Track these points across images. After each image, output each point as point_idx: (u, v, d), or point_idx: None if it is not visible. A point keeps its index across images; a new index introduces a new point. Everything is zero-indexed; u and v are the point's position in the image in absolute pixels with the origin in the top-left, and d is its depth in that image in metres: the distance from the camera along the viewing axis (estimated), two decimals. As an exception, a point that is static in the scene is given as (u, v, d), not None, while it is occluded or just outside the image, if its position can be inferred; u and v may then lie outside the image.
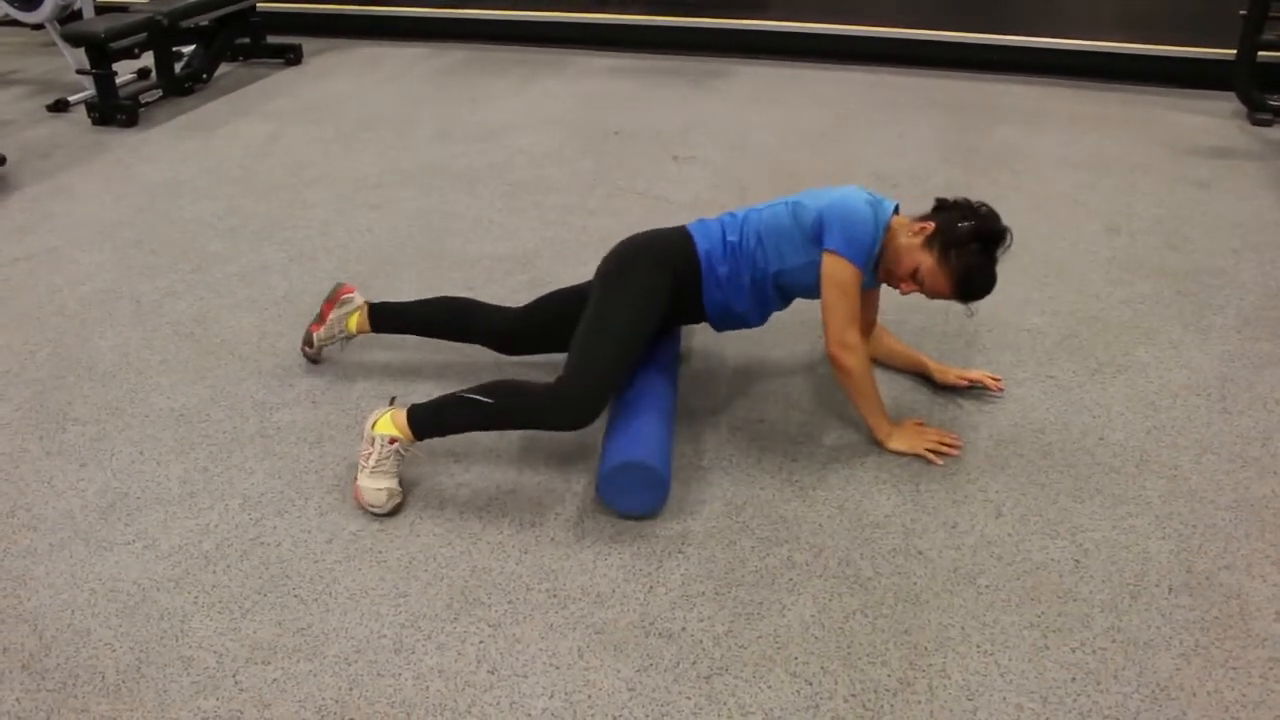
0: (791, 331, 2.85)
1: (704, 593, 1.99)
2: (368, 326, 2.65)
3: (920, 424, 2.46)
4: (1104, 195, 3.82)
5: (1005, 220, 2.32)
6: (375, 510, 2.17)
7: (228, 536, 2.14)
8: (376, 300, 2.68)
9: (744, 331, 2.68)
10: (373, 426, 2.18)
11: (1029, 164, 4.16)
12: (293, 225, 3.64)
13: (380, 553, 2.09)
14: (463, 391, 2.19)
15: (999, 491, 2.27)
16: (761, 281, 2.39)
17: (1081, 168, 4.12)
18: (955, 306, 2.87)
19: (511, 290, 3.11)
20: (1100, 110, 4.91)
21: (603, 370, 2.20)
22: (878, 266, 2.36)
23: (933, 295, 2.33)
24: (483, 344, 2.62)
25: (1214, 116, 4.77)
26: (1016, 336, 2.88)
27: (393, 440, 2.16)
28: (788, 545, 2.11)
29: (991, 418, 2.52)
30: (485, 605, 1.96)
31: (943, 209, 2.36)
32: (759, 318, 2.49)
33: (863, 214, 2.28)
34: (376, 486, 2.16)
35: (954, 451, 2.39)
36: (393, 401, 2.26)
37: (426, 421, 2.20)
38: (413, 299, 2.68)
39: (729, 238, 2.39)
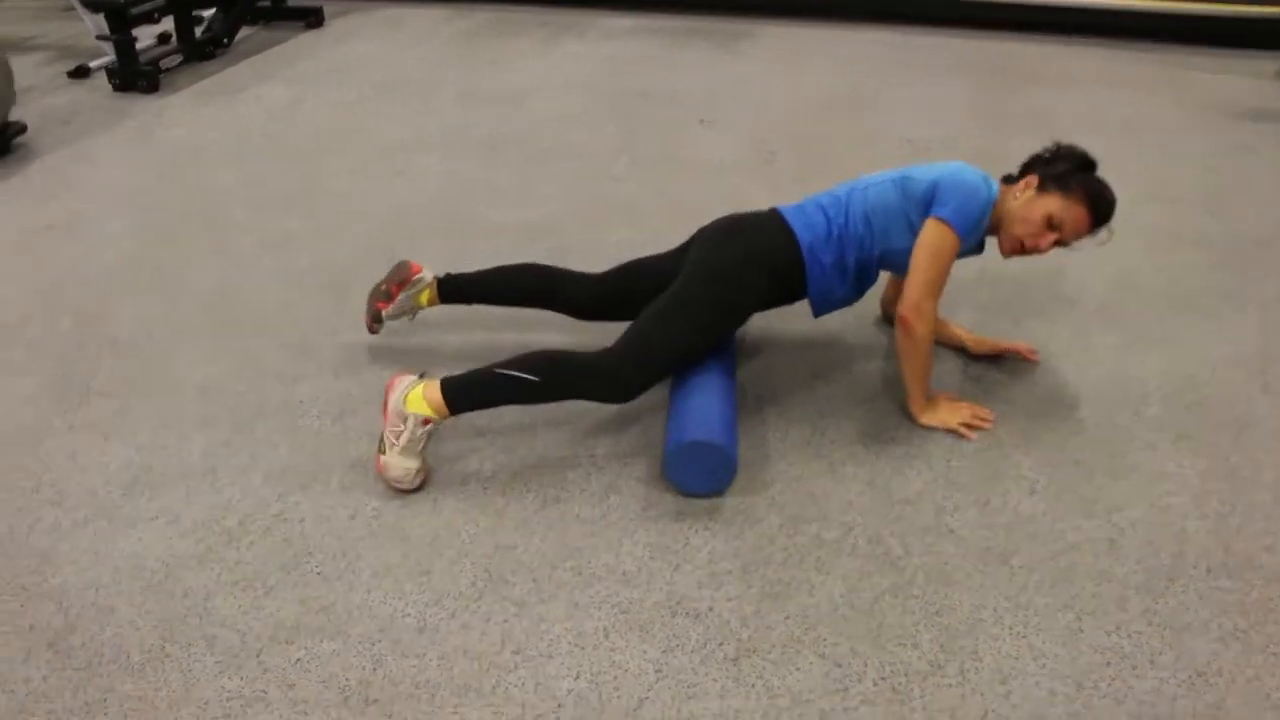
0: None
1: (731, 571, 1.96)
2: (438, 300, 2.60)
3: (953, 398, 2.41)
4: (1140, 160, 3.73)
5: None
6: (400, 486, 2.15)
7: (250, 512, 2.12)
8: (444, 274, 2.60)
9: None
10: (404, 403, 2.14)
11: (1062, 127, 4.04)
12: (315, 193, 3.60)
13: (403, 529, 2.07)
14: (504, 367, 2.14)
15: (1032, 468, 2.22)
16: (866, 263, 2.35)
17: (1116, 131, 4.03)
18: (989, 275, 2.83)
19: (537, 258, 3.05)
20: (1134, 71, 4.79)
21: (654, 355, 2.19)
22: (982, 243, 2.36)
23: (1073, 235, 2.28)
24: (562, 310, 2.56)
25: (1254, 78, 4.65)
26: (1051, 306, 2.81)
27: (426, 420, 2.12)
28: (816, 523, 2.08)
29: (1025, 391, 2.47)
30: (510, 584, 1.94)
31: (1024, 167, 2.36)
32: (857, 295, 2.45)
33: (978, 188, 2.25)
34: (405, 465, 2.13)
35: (986, 425, 2.34)
36: (423, 376, 2.21)
37: (466, 398, 2.15)
38: (484, 268, 2.61)
39: (834, 222, 2.33)
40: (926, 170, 2.31)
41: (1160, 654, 1.77)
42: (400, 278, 2.57)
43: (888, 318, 2.72)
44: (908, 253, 2.27)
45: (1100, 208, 2.27)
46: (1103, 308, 2.81)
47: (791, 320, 2.70)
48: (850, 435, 2.33)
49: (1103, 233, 2.32)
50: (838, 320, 2.74)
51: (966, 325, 2.65)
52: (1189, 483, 2.17)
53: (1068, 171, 2.28)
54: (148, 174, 3.77)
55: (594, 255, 2.73)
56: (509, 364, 2.15)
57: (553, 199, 3.52)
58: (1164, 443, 2.29)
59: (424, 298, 2.59)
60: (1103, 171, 2.32)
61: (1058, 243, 2.28)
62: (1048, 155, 2.34)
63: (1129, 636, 1.81)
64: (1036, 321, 2.74)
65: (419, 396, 2.14)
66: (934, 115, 4.25)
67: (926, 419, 2.34)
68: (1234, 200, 3.43)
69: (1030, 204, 2.27)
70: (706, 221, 2.45)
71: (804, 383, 2.52)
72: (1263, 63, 4.78)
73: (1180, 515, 2.08)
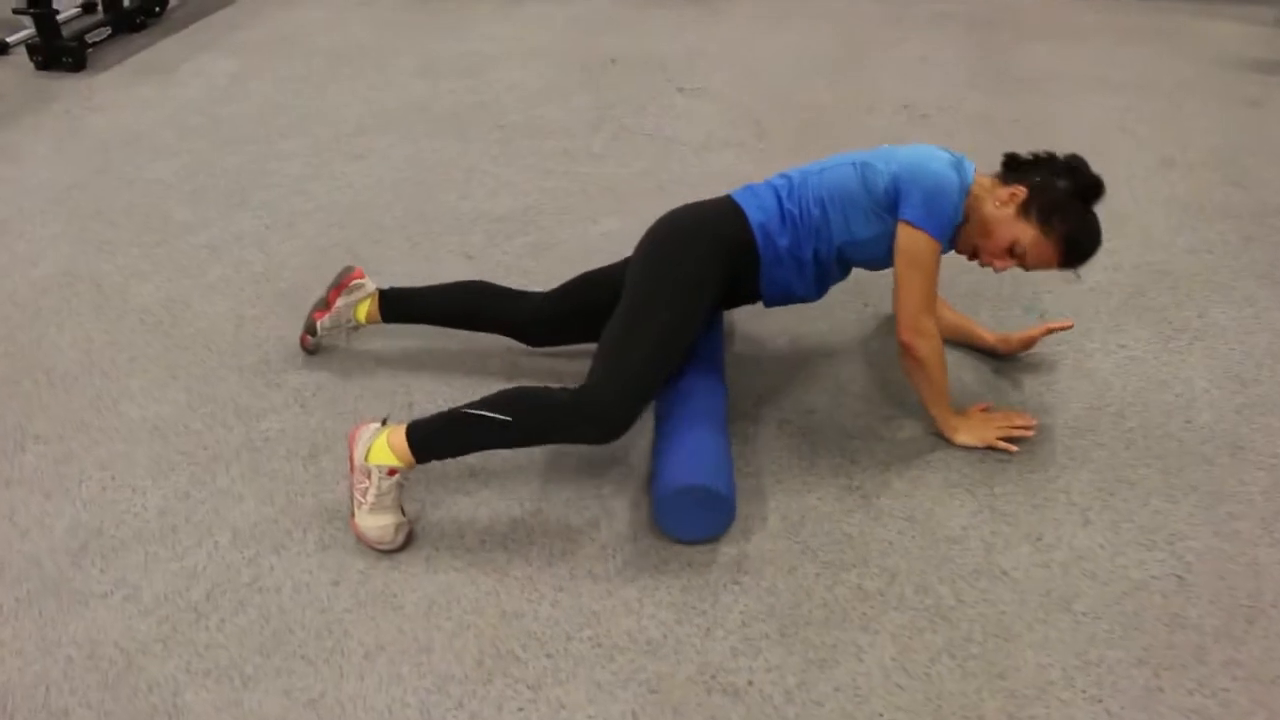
0: (833, 298, 2.52)
1: (768, 634, 1.75)
2: (378, 316, 2.36)
3: (986, 409, 2.20)
4: (1152, 121, 3.51)
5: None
6: (383, 547, 1.90)
7: (219, 582, 1.87)
8: (387, 287, 2.38)
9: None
10: (366, 456, 1.88)
11: (1065, 86, 3.83)
12: (266, 184, 3.29)
13: (394, 596, 1.84)
14: (472, 408, 1.89)
15: (1083, 493, 2.02)
16: (825, 257, 2.09)
17: (1122, 89, 3.80)
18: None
19: (516, 257, 2.81)
20: (1133, 21, 4.57)
21: (635, 378, 1.91)
22: (956, 236, 2.08)
23: (1035, 267, 2.04)
24: (505, 334, 2.33)
25: (1257, 25, 4.44)
26: (1079, 296, 2.61)
27: (392, 471, 1.87)
28: (856, 570, 1.87)
29: (1064, 401, 2.26)
30: (521, 661, 1.71)
31: (1025, 167, 2.07)
32: (817, 293, 2.20)
33: (945, 178, 1.98)
34: (380, 524, 1.88)
35: (1028, 433, 2.14)
36: (384, 422, 1.95)
37: (432, 445, 1.90)
38: (426, 284, 2.38)
39: (786, 206, 2.08)
40: (888, 159, 2.04)
41: (1250, 715, 1.60)
42: (338, 283, 2.36)
43: None
44: (875, 243, 2.05)
45: (1074, 254, 2.03)
46: (1134, 295, 2.61)
47: (809, 322, 2.49)
48: (882, 460, 2.12)
49: (1072, 273, 2.06)
50: (855, 319, 2.52)
51: (990, 325, 2.44)
52: (1253, 502, 1.99)
53: (1059, 201, 1.99)
54: (79, 168, 3.43)
55: (581, 250, 2.47)
56: (478, 404, 1.90)
57: (527, 183, 3.25)
58: (1221, 455, 2.10)
59: (361, 311, 2.36)
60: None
61: (1017, 265, 2.06)
62: (1050, 166, 2.05)
63: (1213, 694, 1.63)
64: (1064, 316, 2.53)
65: (383, 446, 1.89)
66: (929, 75, 4.00)
67: (961, 438, 2.14)
68: (1253, 164, 3.23)
69: (1003, 223, 2.01)
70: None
71: (826, 397, 2.30)
72: (1262, 8, 4.57)
73: (1249, 543, 1.90)
